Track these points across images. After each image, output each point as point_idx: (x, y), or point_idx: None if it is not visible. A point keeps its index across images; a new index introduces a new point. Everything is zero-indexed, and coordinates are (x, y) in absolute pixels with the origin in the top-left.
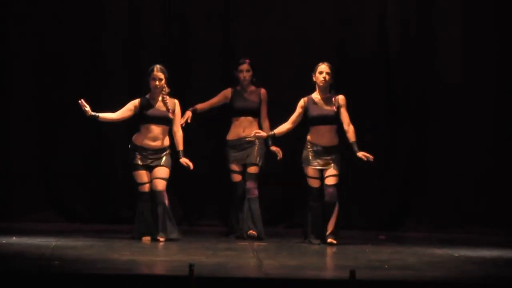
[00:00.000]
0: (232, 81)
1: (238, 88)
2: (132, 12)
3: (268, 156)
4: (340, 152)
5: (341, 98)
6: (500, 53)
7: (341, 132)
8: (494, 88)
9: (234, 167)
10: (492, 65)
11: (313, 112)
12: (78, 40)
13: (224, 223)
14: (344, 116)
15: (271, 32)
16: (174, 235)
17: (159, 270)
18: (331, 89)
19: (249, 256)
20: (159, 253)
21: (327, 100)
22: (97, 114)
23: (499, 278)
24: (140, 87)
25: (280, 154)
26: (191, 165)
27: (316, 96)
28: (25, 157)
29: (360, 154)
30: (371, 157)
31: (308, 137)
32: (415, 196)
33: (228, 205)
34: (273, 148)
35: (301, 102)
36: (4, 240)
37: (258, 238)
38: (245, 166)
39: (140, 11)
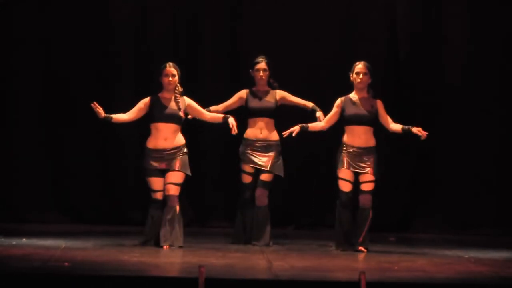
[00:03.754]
0: (241, 80)
1: (254, 88)
2: (141, 12)
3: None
4: (377, 155)
5: (379, 102)
6: (508, 55)
7: (378, 137)
8: (502, 90)
9: (247, 167)
10: (501, 67)
11: (349, 111)
12: (86, 40)
13: (232, 226)
14: (385, 118)
15: (280, 32)
16: (179, 243)
17: (168, 272)
18: (369, 88)
19: (259, 257)
20: (169, 255)
21: (364, 101)
22: (111, 115)
23: (509, 279)
24: (149, 87)
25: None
26: (234, 128)
27: (353, 96)
28: (34, 159)
29: (415, 129)
30: (424, 133)
31: (344, 139)
32: (424, 198)
33: (235, 208)
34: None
35: (338, 101)
36: (14, 241)
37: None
38: (257, 170)
39: (148, 11)
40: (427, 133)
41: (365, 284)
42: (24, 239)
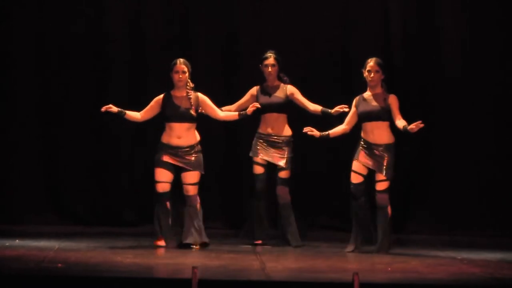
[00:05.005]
0: (235, 82)
1: (264, 84)
2: (134, 9)
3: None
4: (393, 153)
5: (391, 96)
6: (504, 52)
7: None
8: (498, 89)
9: (258, 159)
10: (496, 65)
11: (360, 108)
12: (80, 41)
13: (228, 225)
14: (395, 113)
15: (274, 30)
16: (205, 239)
17: (162, 273)
18: (383, 84)
19: (252, 258)
20: (162, 256)
21: (377, 96)
22: (124, 111)
23: (502, 281)
24: (142, 84)
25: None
26: (255, 105)
27: (367, 93)
28: (28, 159)
29: (411, 126)
30: (420, 125)
31: (361, 134)
32: (418, 199)
33: (241, 202)
34: (335, 110)
35: (354, 101)
36: (8, 242)
37: (295, 246)
38: (270, 164)
39: (142, 8)
40: (422, 125)
41: (358, 285)
42: (17, 240)
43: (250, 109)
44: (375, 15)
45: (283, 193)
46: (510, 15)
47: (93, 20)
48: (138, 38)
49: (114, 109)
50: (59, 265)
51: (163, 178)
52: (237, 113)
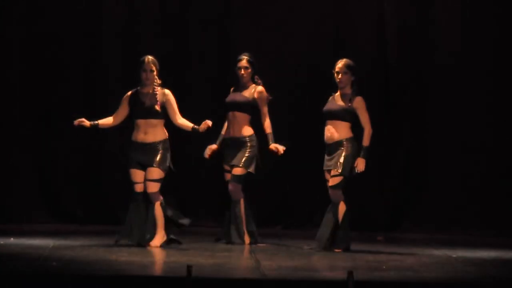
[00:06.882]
0: (228, 80)
1: (238, 86)
2: (130, 10)
3: (265, 157)
4: (347, 149)
5: (356, 100)
6: (499, 51)
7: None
8: (493, 88)
9: (225, 166)
10: (491, 64)
11: (325, 107)
12: (76, 41)
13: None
14: (360, 117)
15: (269, 34)
16: (171, 235)
17: (157, 271)
18: (353, 85)
19: (247, 257)
20: (157, 254)
21: (344, 97)
22: (96, 122)
23: (497, 279)
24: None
25: (279, 151)
26: (209, 123)
27: (337, 93)
28: (22, 159)
29: (273, 146)
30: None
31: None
32: (413, 197)
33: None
34: (272, 146)
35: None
36: (2, 241)
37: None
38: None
39: (138, 9)
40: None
41: (353, 284)
42: (12, 239)
43: (202, 126)
44: (368, 13)
45: (234, 190)
46: (504, 10)
47: (88, 23)
48: (132, 41)
49: (87, 123)
50: (54, 263)
51: (139, 179)
52: (191, 125)
